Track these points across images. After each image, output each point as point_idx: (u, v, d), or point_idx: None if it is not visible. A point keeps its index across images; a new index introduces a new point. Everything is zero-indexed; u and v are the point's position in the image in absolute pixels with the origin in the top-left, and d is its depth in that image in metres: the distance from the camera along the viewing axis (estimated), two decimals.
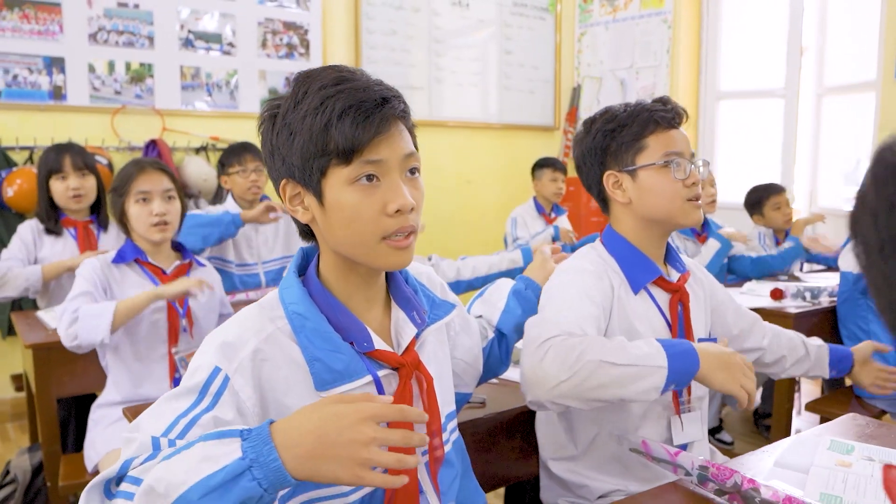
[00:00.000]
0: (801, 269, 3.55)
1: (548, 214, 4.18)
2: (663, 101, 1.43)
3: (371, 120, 0.91)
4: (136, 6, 3.70)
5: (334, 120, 0.91)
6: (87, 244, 2.68)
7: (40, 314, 2.41)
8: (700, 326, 1.49)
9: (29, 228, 2.70)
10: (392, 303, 1.06)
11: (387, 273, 1.06)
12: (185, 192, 3.77)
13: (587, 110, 5.36)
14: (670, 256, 1.49)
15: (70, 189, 2.65)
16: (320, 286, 0.99)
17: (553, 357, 1.17)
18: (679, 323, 1.43)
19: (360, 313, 1.01)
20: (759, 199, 3.54)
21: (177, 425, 0.85)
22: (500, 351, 1.37)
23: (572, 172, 3.05)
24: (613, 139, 1.42)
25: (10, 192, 3.26)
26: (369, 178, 0.93)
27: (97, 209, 2.77)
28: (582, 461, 1.45)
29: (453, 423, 1.13)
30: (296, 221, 1.01)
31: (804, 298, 2.71)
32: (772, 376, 1.73)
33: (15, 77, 3.44)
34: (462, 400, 1.28)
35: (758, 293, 2.84)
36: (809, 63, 4.55)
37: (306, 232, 1.02)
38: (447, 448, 1.08)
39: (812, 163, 4.59)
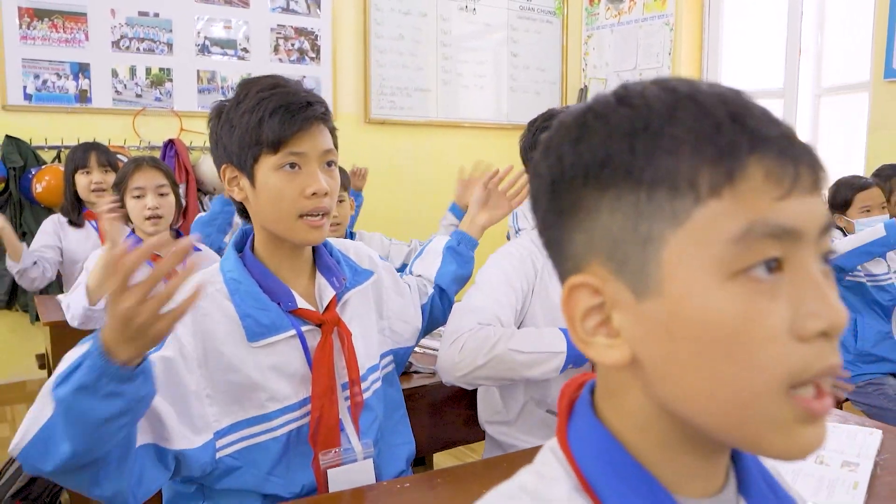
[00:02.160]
0: None
1: None
2: None
3: (295, 119, 1.13)
4: (156, 15, 3.96)
5: (266, 117, 1.12)
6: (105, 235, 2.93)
7: (60, 297, 2.66)
8: None
9: (51, 223, 2.95)
10: (317, 271, 1.26)
11: (313, 247, 1.26)
12: (201, 189, 4.02)
13: None
14: None
15: (93, 183, 2.90)
16: (253, 258, 1.21)
17: (468, 348, 1.38)
18: None
19: (288, 280, 1.21)
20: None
21: None
22: (441, 303, 1.55)
23: None
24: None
25: (39, 187, 3.53)
26: (292, 165, 1.15)
27: None
28: (514, 425, 1.63)
29: (375, 375, 1.32)
30: (233, 200, 1.22)
31: None
32: None
33: (44, 82, 3.72)
34: (405, 353, 1.46)
35: None
36: (808, 64, 4.65)
37: (242, 211, 1.23)
38: (367, 395, 1.28)
39: None
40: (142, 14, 3.92)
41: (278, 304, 1.17)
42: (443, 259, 1.56)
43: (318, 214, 1.16)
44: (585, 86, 5.55)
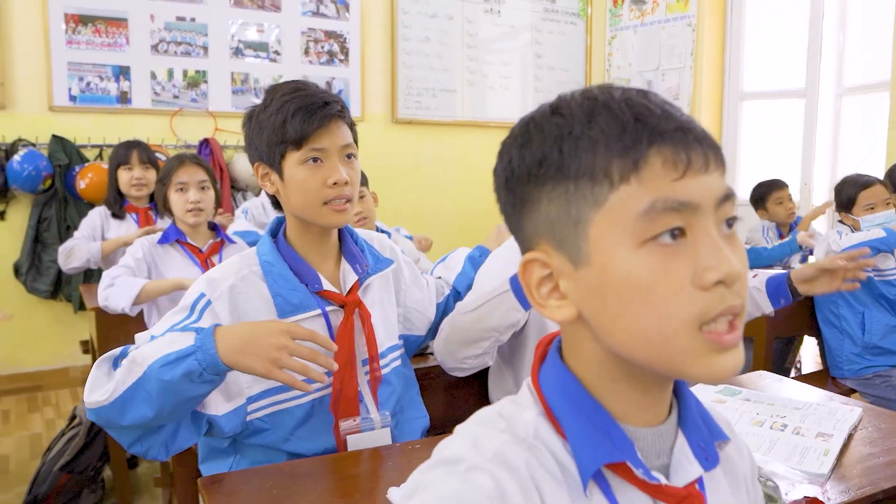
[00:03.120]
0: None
1: None
2: None
3: (315, 117, 1.27)
4: (193, 19, 4.14)
5: (289, 117, 1.27)
6: (145, 225, 3.10)
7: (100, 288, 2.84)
8: None
9: (98, 213, 3.14)
10: (342, 257, 1.39)
11: (339, 234, 1.39)
12: (234, 186, 4.20)
13: None
14: None
15: (134, 178, 3.08)
16: (285, 243, 1.35)
17: (439, 338, 1.54)
18: None
19: (316, 264, 1.35)
20: (763, 195, 3.74)
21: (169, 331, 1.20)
22: (454, 304, 1.68)
23: None
24: None
25: (82, 184, 3.73)
26: (314, 159, 1.29)
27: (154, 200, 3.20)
28: None
29: (394, 353, 1.45)
30: (266, 194, 1.36)
31: None
32: None
33: (88, 84, 3.92)
34: (416, 341, 1.59)
35: None
36: (829, 63, 4.68)
37: (275, 203, 1.37)
38: (386, 371, 1.41)
39: (832, 161, 4.72)
40: (179, 19, 4.11)
41: (306, 285, 1.31)
42: (463, 267, 1.70)
43: (342, 201, 1.30)
44: None
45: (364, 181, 2.68)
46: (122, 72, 3.99)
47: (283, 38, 4.42)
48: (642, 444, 0.64)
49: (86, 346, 3.12)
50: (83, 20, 3.87)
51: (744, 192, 4.01)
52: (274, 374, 1.09)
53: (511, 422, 0.64)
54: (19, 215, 3.85)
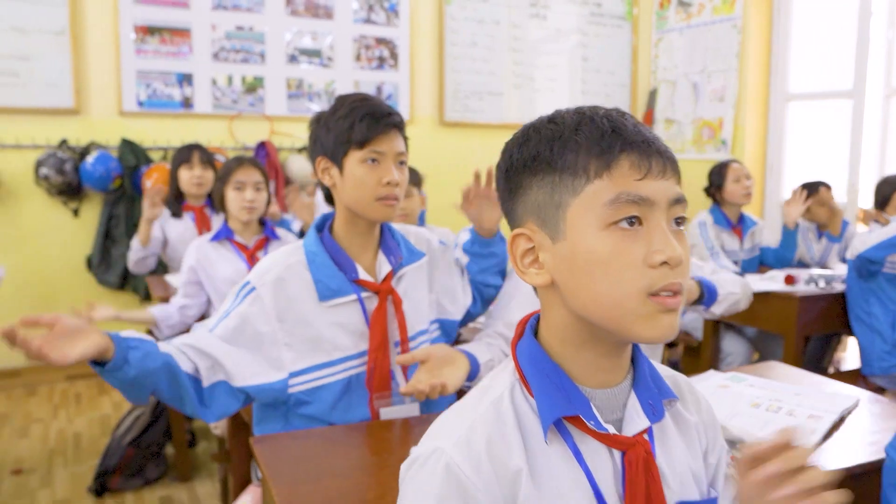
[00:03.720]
0: (839, 260, 3.73)
1: None
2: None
3: (378, 125, 1.47)
4: (251, 28, 4.38)
5: (356, 122, 1.47)
6: (203, 225, 3.33)
7: (167, 277, 3.08)
8: None
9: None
10: (380, 249, 1.57)
11: (381, 229, 1.58)
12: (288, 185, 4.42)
13: (662, 112, 5.65)
14: None
15: (194, 177, 3.31)
16: (329, 237, 1.53)
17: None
18: None
19: (356, 255, 1.53)
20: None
21: (219, 321, 1.44)
22: (481, 295, 1.82)
23: None
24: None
25: (148, 183, 4.00)
26: (373, 160, 1.48)
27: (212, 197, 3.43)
28: None
29: (424, 337, 1.61)
30: (322, 186, 1.55)
31: (817, 284, 2.97)
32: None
33: (154, 90, 4.19)
34: (452, 325, 1.73)
35: (778, 279, 3.11)
36: (878, 63, 4.65)
37: (328, 198, 1.55)
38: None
39: (879, 163, 4.69)
40: (238, 28, 4.35)
41: (345, 273, 1.48)
42: (467, 262, 1.84)
43: (393, 198, 1.48)
44: (655, 88, 5.69)
45: (418, 181, 2.86)
46: (185, 79, 4.26)
47: (336, 45, 4.63)
48: (599, 402, 0.78)
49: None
50: (150, 31, 4.14)
51: (789, 194, 3.99)
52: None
53: (488, 390, 0.80)
54: (91, 213, 4.15)
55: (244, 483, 1.82)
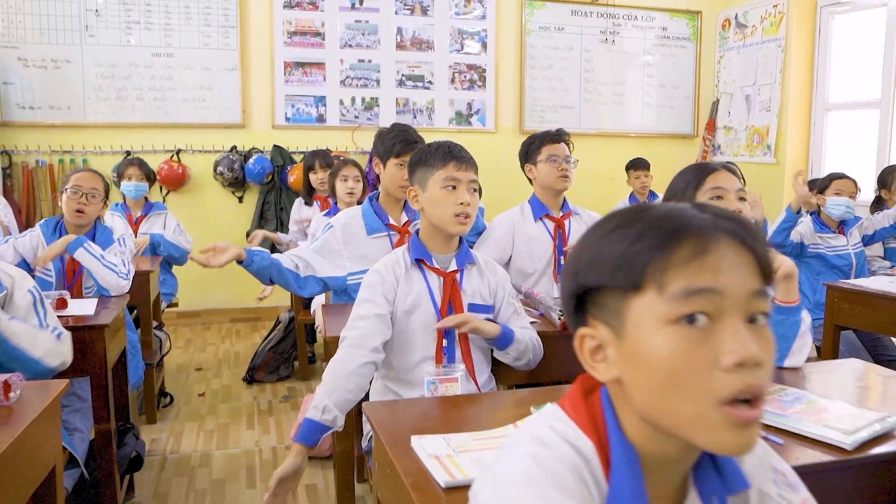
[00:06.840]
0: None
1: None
2: (557, 132, 2.92)
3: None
4: (370, 61, 5.70)
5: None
6: (325, 207, 4.63)
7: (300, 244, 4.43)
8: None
9: (295, 204, 4.71)
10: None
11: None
12: None
13: (722, 121, 6.44)
14: (564, 206, 2.96)
15: (319, 180, 4.60)
16: (376, 203, 2.70)
17: None
18: (558, 244, 2.90)
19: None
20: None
21: (313, 242, 2.78)
22: None
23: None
24: (531, 144, 2.95)
25: (290, 179, 5.41)
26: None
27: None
28: None
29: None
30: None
31: None
32: None
33: (297, 109, 5.61)
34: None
35: None
36: None
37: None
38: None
39: None
40: (360, 61, 5.69)
41: (381, 220, 2.66)
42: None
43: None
44: (717, 99, 6.48)
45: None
46: (320, 100, 5.64)
47: (435, 71, 5.86)
48: None
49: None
50: (296, 65, 5.56)
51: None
52: None
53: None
54: (251, 200, 5.62)
55: None
